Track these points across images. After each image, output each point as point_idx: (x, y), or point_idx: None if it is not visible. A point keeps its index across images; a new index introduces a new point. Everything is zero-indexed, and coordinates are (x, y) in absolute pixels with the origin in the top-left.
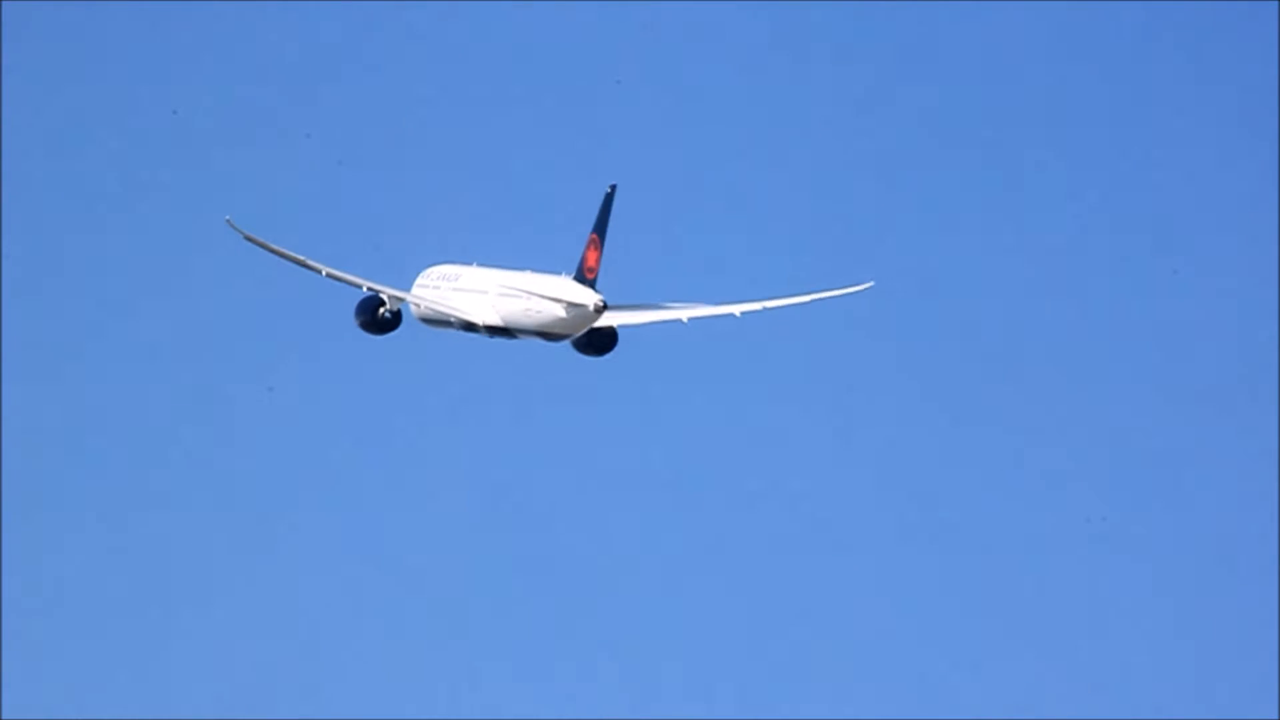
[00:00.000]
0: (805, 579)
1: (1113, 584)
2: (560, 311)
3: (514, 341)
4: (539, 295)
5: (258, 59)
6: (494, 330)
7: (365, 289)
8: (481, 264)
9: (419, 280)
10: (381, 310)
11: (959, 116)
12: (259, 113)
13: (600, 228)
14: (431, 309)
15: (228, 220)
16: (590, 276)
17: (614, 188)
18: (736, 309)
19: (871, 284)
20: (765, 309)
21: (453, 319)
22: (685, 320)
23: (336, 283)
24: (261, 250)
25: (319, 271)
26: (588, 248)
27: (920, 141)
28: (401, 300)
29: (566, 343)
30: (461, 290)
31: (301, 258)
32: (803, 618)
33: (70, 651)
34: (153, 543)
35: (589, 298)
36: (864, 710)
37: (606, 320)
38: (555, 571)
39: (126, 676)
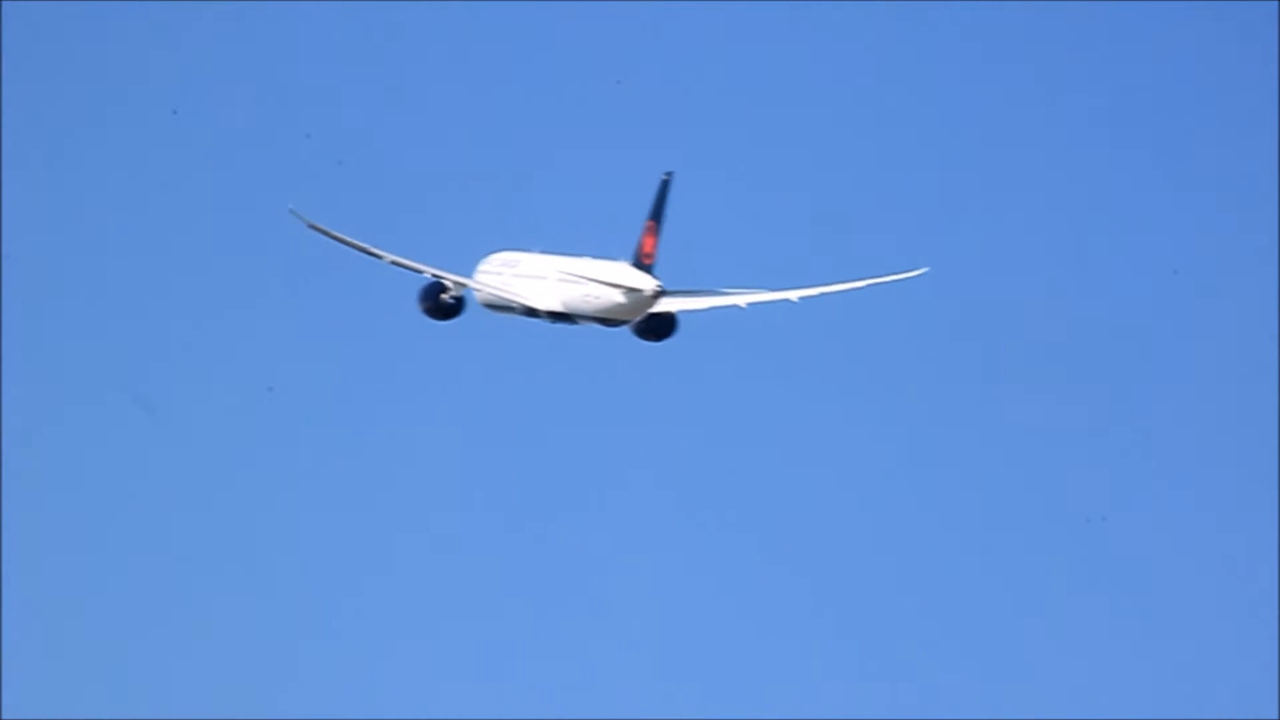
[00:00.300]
0: (853, 569)
1: (1112, 584)
2: (619, 296)
3: (574, 327)
4: (598, 281)
5: (258, 59)
6: (555, 315)
7: (429, 275)
8: (541, 250)
9: (481, 266)
10: (444, 296)
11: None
12: (259, 113)
13: (657, 214)
14: (494, 295)
15: (292, 210)
16: (648, 262)
17: (670, 175)
18: (794, 294)
19: (925, 270)
20: (821, 294)
21: (514, 305)
22: (744, 305)
23: (400, 270)
24: (320, 238)
25: (383, 258)
26: (645, 234)
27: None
28: (464, 286)
29: (626, 328)
30: (522, 276)
31: (366, 245)
32: (844, 608)
33: (75, 652)
34: (228, 537)
35: (647, 283)
36: (864, 711)
37: (665, 306)
38: (612, 558)
39: (150, 676)
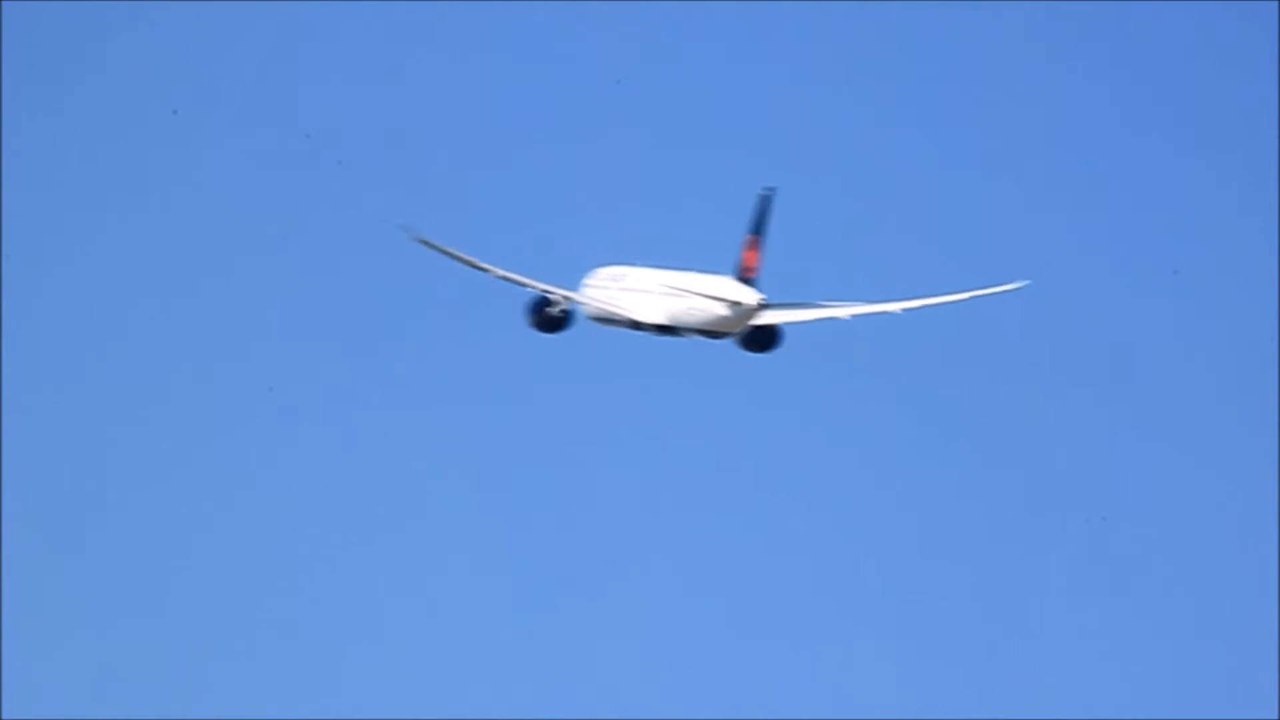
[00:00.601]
0: (946, 576)
1: (1112, 584)
2: (722, 309)
3: (679, 339)
4: (702, 294)
5: (258, 59)
6: (660, 328)
7: (535, 290)
8: (647, 265)
9: (588, 280)
10: (551, 310)
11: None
12: (259, 113)
13: (758, 229)
14: (600, 308)
15: (402, 227)
16: (749, 276)
17: (771, 190)
18: (897, 306)
19: (1026, 283)
20: (923, 306)
21: (621, 318)
22: (846, 317)
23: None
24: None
25: (490, 273)
26: (746, 248)
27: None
28: (570, 300)
29: (731, 340)
30: (629, 290)
31: (474, 260)
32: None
33: (75, 652)
34: (330, 540)
35: (749, 296)
36: (866, 710)
37: (769, 318)
38: (720, 564)
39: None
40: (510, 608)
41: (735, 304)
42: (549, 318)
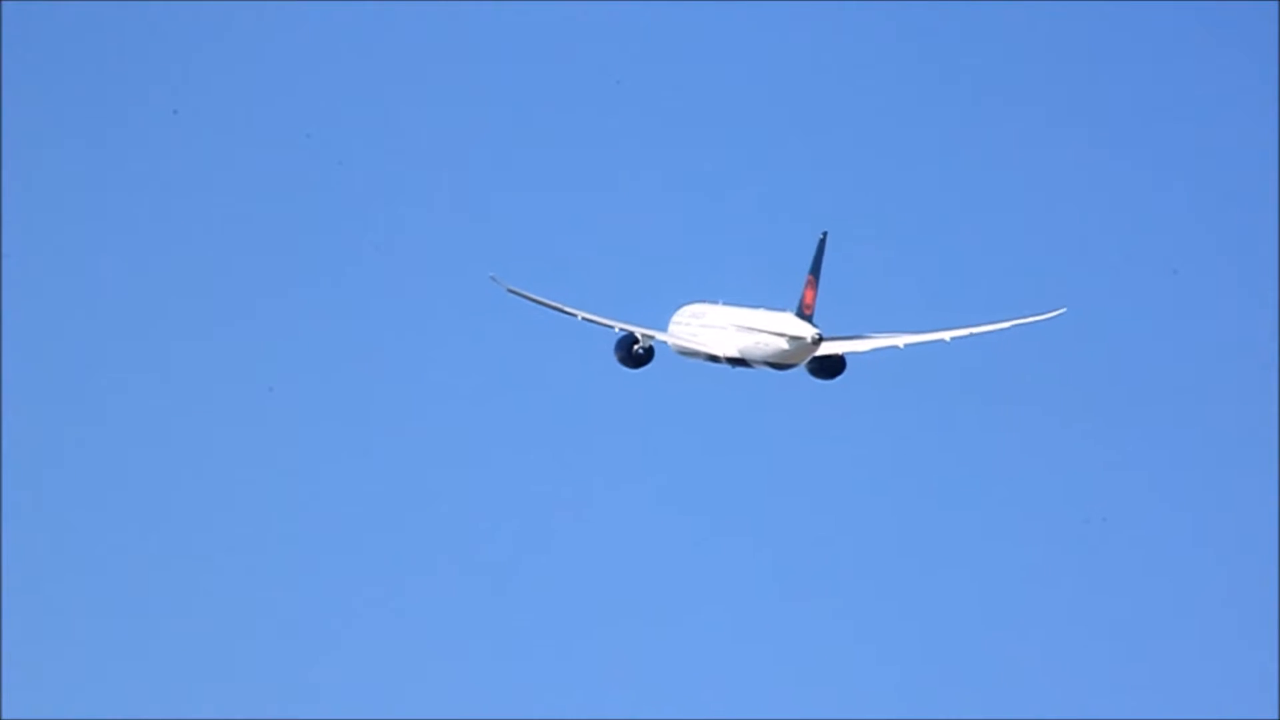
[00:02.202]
0: (965, 582)
1: (1112, 584)
2: (784, 344)
3: (751, 370)
4: (765, 331)
5: (258, 59)
6: (733, 360)
7: (619, 330)
8: (724, 302)
9: (674, 317)
10: (636, 347)
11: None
12: (259, 113)
13: (815, 270)
14: (681, 344)
15: (492, 277)
16: (808, 313)
17: (825, 234)
18: (946, 335)
19: (1064, 310)
20: (971, 335)
21: (699, 352)
22: (901, 346)
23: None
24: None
25: (575, 316)
26: (805, 288)
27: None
28: (652, 338)
29: (801, 369)
30: (707, 326)
31: (559, 304)
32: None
33: (75, 652)
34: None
35: (807, 331)
36: (864, 710)
37: (833, 348)
38: (791, 577)
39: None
40: (596, 615)
41: (795, 338)
42: (634, 355)
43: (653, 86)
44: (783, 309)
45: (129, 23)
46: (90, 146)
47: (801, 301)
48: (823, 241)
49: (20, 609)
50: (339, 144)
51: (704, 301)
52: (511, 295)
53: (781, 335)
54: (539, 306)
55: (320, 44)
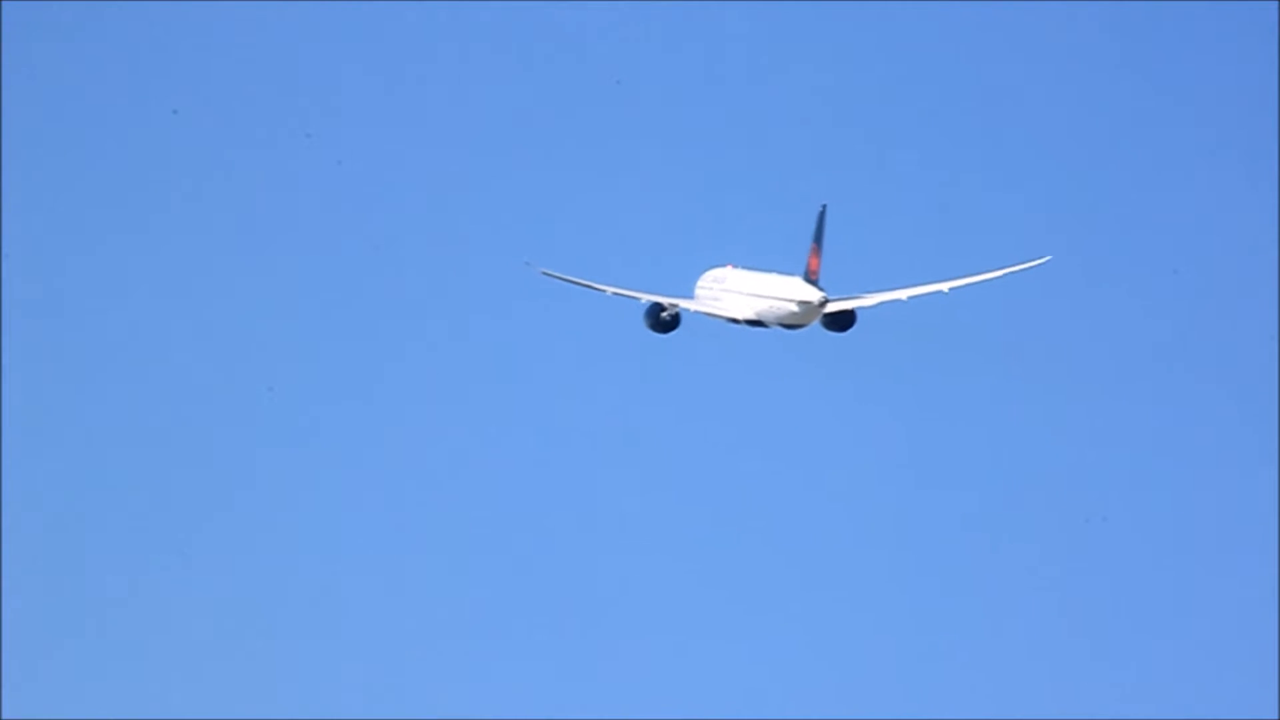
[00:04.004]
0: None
1: (1112, 584)
2: (793, 307)
3: (768, 330)
4: (776, 297)
5: (258, 59)
6: (750, 322)
7: (647, 300)
8: (744, 266)
9: (700, 281)
10: (663, 314)
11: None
12: (259, 113)
13: (818, 238)
14: (702, 309)
15: (527, 263)
16: (814, 278)
17: (825, 207)
18: (945, 286)
19: (1049, 258)
20: (968, 284)
21: (719, 315)
22: (905, 299)
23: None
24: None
25: (605, 291)
26: (810, 255)
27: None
28: (677, 305)
29: (815, 325)
30: (727, 291)
31: (590, 282)
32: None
33: (75, 652)
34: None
35: (814, 295)
36: (862, 710)
37: (844, 304)
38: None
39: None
40: (606, 560)
41: (804, 302)
42: (661, 321)
43: (653, 81)
44: (793, 274)
45: (129, 23)
46: (90, 146)
47: (807, 268)
48: (823, 213)
49: (20, 609)
50: (339, 144)
51: (724, 266)
52: (546, 278)
53: (791, 300)
54: (573, 286)
55: (320, 44)
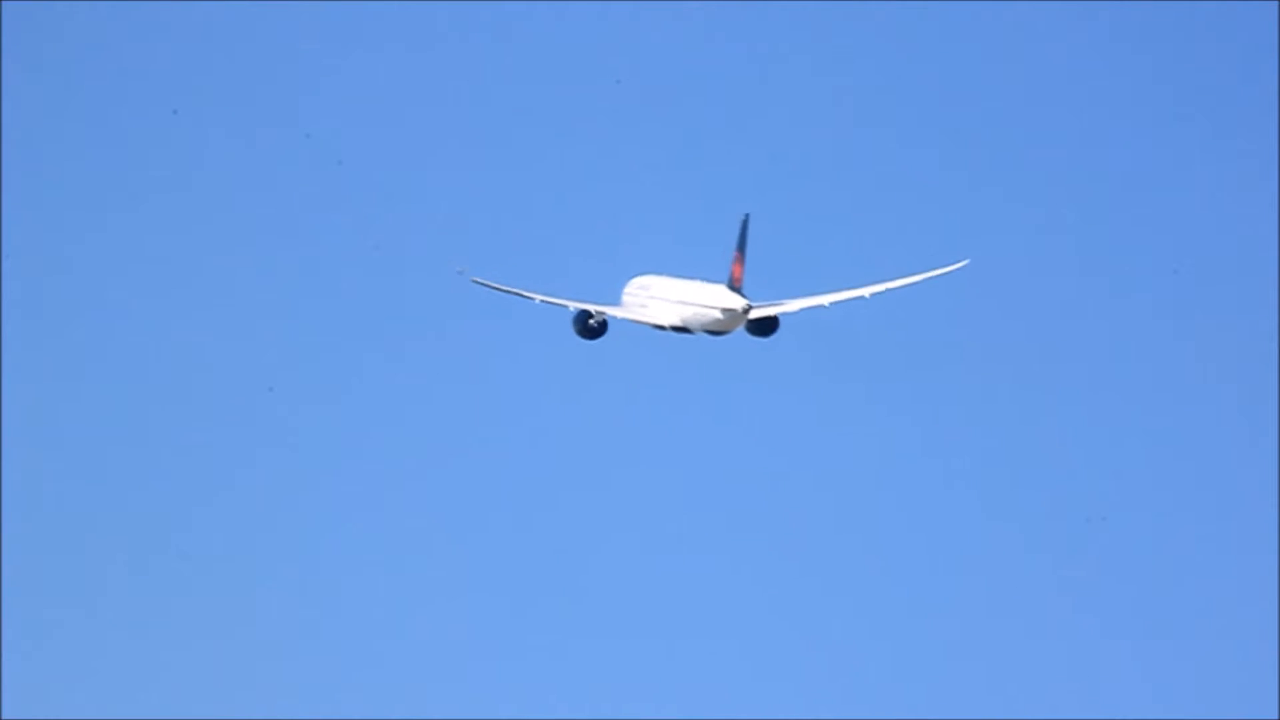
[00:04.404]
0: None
1: (1112, 584)
2: (718, 314)
3: (692, 336)
4: (701, 304)
5: (258, 59)
6: (676, 328)
7: (574, 308)
8: (670, 275)
9: (626, 288)
10: (591, 321)
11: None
12: (259, 113)
13: (741, 246)
14: (629, 316)
15: (460, 270)
16: (738, 285)
17: (748, 216)
18: (866, 291)
19: (967, 262)
20: (887, 290)
21: (646, 321)
22: (827, 304)
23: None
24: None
25: (534, 299)
26: (733, 264)
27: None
28: (604, 312)
29: (738, 332)
30: (653, 298)
31: (519, 290)
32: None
33: (75, 652)
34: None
35: (738, 302)
36: (859, 710)
37: (767, 311)
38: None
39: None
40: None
41: (728, 309)
42: (589, 328)
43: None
44: (717, 281)
45: (129, 23)
46: (90, 146)
47: (731, 276)
48: (745, 222)
49: (20, 609)
50: (339, 144)
51: (650, 274)
52: (477, 285)
53: (716, 307)
54: (503, 294)
55: (320, 44)
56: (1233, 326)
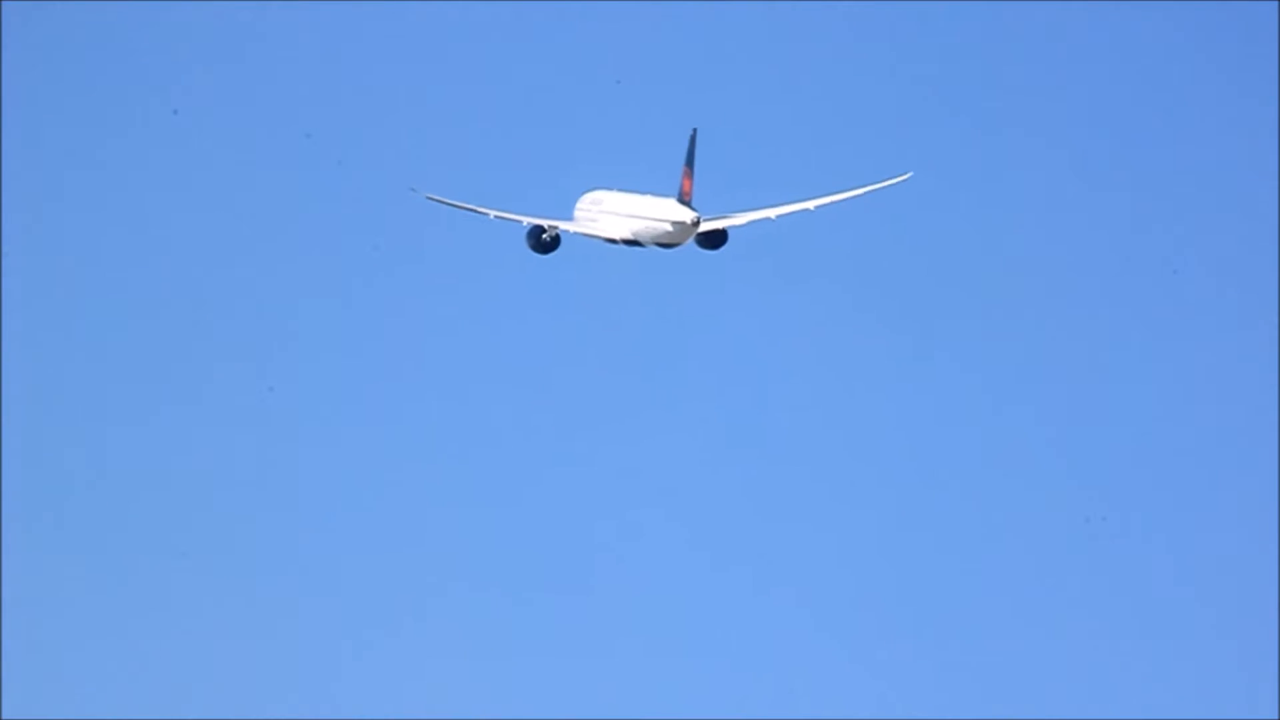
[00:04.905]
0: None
1: (1111, 583)
2: (668, 227)
3: (644, 249)
4: (652, 218)
5: (258, 59)
6: (627, 241)
7: (528, 223)
8: (621, 189)
9: (578, 203)
10: (544, 236)
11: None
12: (259, 113)
13: (690, 161)
14: (581, 230)
15: (413, 189)
16: (687, 199)
17: (695, 130)
18: (810, 204)
19: (910, 175)
20: (831, 203)
21: (598, 235)
22: (774, 217)
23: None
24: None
25: (488, 215)
26: (683, 178)
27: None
28: (558, 227)
29: (689, 245)
30: (605, 213)
31: (472, 206)
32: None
33: (75, 652)
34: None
35: (687, 215)
36: (856, 709)
37: (715, 224)
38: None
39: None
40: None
41: (677, 222)
42: (543, 242)
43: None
44: (667, 195)
45: (129, 23)
46: (90, 146)
47: (680, 189)
48: (693, 137)
49: (20, 609)
50: (339, 144)
51: (602, 189)
52: (431, 202)
53: (665, 220)
54: (458, 210)
55: (320, 44)
56: (1233, 326)
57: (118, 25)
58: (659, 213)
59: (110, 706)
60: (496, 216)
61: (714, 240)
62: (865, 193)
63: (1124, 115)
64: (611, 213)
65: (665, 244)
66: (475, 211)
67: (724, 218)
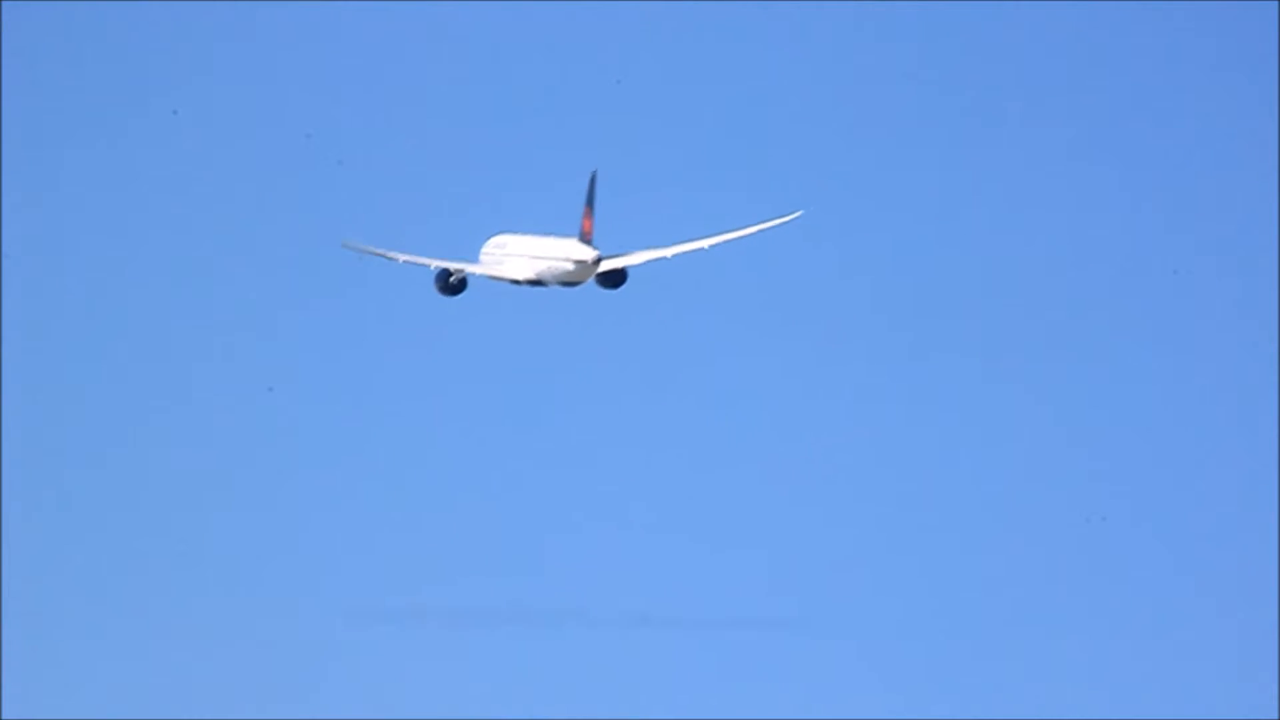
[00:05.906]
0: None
1: (1111, 583)
2: (570, 265)
3: (546, 289)
4: (553, 258)
5: (258, 59)
6: (531, 282)
7: (435, 267)
8: (525, 232)
9: (484, 247)
10: (451, 279)
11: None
12: (259, 113)
13: (590, 201)
14: (487, 272)
15: (345, 244)
16: (588, 238)
17: (595, 172)
18: (705, 243)
19: (800, 213)
20: (726, 241)
21: (503, 278)
22: (670, 256)
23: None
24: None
25: (397, 259)
26: (583, 218)
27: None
28: (463, 270)
29: (588, 284)
30: (508, 255)
31: (384, 251)
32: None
33: (75, 652)
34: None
35: (588, 254)
36: (854, 709)
37: (614, 264)
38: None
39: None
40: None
41: (579, 261)
42: (450, 285)
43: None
44: (568, 235)
45: (129, 23)
46: (90, 146)
47: (581, 229)
48: (593, 178)
49: (20, 609)
50: (339, 144)
51: (506, 233)
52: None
53: (568, 259)
54: (376, 257)
55: (320, 44)
56: (1233, 326)
57: (118, 25)
58: (561, 252)
59: (110, 706)
60: (406, 261)
61: (613, 280)
62: (756, 231)
63: (1124, 115)
64: (515, 254)
65: (568, 282)
66: (386, 257)
67: (622, 255)
